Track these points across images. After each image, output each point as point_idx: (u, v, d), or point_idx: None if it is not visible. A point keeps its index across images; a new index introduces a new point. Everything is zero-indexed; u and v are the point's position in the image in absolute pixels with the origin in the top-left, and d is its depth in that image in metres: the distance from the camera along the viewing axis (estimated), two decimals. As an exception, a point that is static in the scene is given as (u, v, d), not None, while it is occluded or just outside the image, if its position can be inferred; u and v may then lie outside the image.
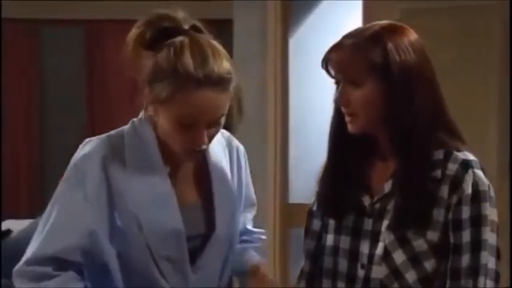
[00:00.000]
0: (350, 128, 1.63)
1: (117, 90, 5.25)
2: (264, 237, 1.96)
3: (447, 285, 1.56)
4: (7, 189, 5.44)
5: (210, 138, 1.66)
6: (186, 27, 1.65)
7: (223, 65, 1.61)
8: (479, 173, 1.59)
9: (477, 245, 1.55)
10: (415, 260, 1.58)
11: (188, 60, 1.58)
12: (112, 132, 1.73)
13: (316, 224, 1.75)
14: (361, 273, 1.63)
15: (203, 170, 1.75)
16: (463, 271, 1.55)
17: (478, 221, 1.56)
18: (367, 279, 1.62)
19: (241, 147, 1.87)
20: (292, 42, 3.76)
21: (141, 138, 1.69)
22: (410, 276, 1.59)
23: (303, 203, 3.09)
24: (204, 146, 1.65)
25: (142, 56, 1.65)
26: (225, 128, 1.74)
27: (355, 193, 1.66)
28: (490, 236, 1.56)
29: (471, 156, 1.60)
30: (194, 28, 1.67)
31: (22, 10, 5.45)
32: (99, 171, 1.64)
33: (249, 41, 3.78)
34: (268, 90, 3.74)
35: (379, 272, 1.60)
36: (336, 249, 1.67)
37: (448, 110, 1.65)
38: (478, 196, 1.57)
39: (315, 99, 3.77)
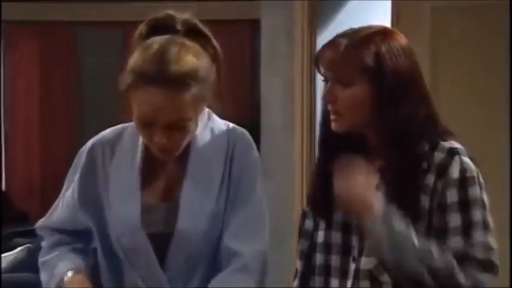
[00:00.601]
0: (334, 126, 1.63)
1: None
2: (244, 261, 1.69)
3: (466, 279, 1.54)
4: (47, 187, 5.55)
5: (175, 142, 1.64)
6: (179, 28, 1.66)
7: (184, 66, 1.59)
8: (466, 159, 1.59)
9: (468, 227, 1.55)
10: None
11: (147, 57, 1.60)
12: (122, 124, 1.80)
13: (309, 224, 1.75)
14: (352, 266, 1.64)
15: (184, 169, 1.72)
16: (456, 253, 1.54)
17: (467, 204, 1.56)
18: (357, 270, 1.62)
19: (242, 144, 1.75)
20: (320, 41, 3.75)
21: (136, 133, 1.72)
22: None
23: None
24: (167, 147, 1.64)
25: None
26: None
27: None
28: (481, 216, 1.56)
29: (457, 145, 1.61)
30: (189, 30, 1.68)
31: (61, 13, 5.53)
32: (88, 160, 1.76)
33: (276, 41, 3.77)
34: (295, 89, 3.73)
35: (368, 263, 1.61)
36: (327, 245, 1.68)
37: (436, 110, 1.66)
38: (465, 181, 1.57)
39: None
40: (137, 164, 1.71)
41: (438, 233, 1.56)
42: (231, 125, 1.77)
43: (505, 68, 3.15)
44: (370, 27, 1.66)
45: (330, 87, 1.62)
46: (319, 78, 3.71)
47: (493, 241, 1.57)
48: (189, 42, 1.65)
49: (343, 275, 1.65)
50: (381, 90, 1.58)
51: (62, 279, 1.72)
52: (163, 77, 1.57)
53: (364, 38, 1.60)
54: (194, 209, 1.68)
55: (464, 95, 3.35)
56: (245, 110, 4.92)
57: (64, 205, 1.81)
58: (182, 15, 1.69)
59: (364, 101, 1.60)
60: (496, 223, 1.60)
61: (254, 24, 4.93)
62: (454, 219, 1.55)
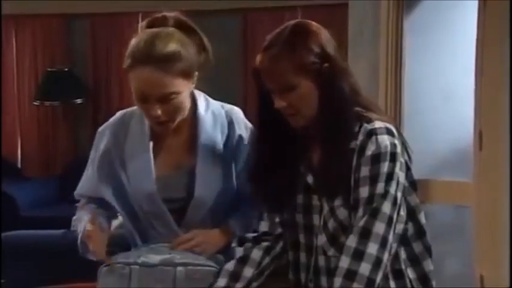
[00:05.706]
0: (292, 123, 1.82)
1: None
2: None
3: (353, 242, 1.73)
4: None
5: (168, 114, 1.99)
6: (171, 23, 2.04)
7: (169, 47, 1.96)
8: (381, 137, 1.77)
9: (372, 197, 1.73)
10: (343, 226, 1.78)
11: (139, 43, 1.98)
12: (129, 109, 2.17)
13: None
14: (314, 243, 1.85)
15: (195, 142, 2.09)
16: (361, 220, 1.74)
17: (375, 177, 1.75)
18: (316, 247, 1.85)
19: (241, 122, 2.14)
20: (407, 22, 3.71)
21: (142, 117, 2.08)
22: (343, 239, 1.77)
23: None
24: (161, 119, 1.99)
25: None
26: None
27: (300, 175, 1.86)
28: (383, 189, 1.74)
29: (378, 125, 1.78)
30: (179, 25, 2.05)
31: (187, 2, 5.83)
32: (106, 141, 2.12)
33: (363, 23, 3.76)
34: (380, 71, 3.71)
35: (320, 240, 1.82)
36: (294, 225, 1.88)
37: (360, 88, 1.84)
38: (377, 158, 1.76)
39: (429, 80, 3.71)
40: (147, 141, 2.07)
41: (353, 204, 1.76)
42: (226, 105, 2.17)
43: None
44: (287, 27, 1.82)
45: (282, 97, 1.79)
46: (407, 59, 3.68)
47: (389, 209, 1.74)
48: (176, 32, 2.01)
49: (309, 250, 1.87)
50: (320, 81, 1.76)
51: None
52: (151, 57, 1.94)
53: (292, 41, 1.77)
54: (207, 177, 2.05)
55: None
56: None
57: (87, 177, 2.20)
58: (172, 14, 2.07)
59: (310, 96, 1.78)
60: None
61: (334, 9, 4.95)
62: (363, 192, 1.75)
